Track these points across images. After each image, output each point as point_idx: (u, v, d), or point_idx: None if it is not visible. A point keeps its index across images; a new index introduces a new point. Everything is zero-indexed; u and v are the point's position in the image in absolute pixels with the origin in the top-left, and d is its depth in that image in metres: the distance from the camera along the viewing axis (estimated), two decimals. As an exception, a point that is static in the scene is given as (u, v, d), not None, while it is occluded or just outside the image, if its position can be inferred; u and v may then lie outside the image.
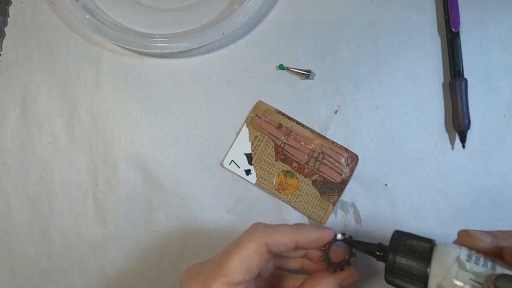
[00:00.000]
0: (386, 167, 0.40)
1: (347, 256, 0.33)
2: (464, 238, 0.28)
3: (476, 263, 0.26)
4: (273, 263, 0.34)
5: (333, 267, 0.32)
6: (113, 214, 0.41)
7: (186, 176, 0.41)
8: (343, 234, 0.33)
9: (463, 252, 0.27)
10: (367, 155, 0.40)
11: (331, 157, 0.40)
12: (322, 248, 0.32)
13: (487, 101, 0.40)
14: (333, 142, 0.40)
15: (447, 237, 0.39)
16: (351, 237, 0.33)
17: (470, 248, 0.27)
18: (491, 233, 0.28)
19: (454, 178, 0.40)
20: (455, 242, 0.29)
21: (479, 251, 0.27)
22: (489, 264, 0.26)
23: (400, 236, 0.29)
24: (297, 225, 0.31)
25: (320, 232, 0.31)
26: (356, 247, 0.32)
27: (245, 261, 0.29)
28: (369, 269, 0.39)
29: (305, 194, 0.40)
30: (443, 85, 0.41)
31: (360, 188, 0.40)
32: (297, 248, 0.31)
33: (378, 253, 0.30)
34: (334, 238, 0.32)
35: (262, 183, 0.40)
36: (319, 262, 0.33)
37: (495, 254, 0.27)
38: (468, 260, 0.26)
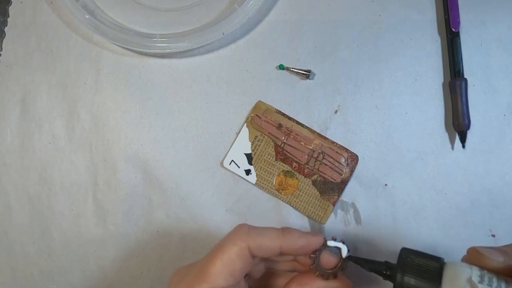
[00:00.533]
0: (386, 167, 0.40)
1: (340, 262, 0.31)
2: (474, 257, 0.27)
3: (489, 284, 0.25)
4: (264, 264, 0.33)
5: (325, 273, 0.31)
6: (113, 214, 0.41)
7: (186, 176, 0.41)
8: (335, 239, 0.31)
9: (475, 273, 0.26)
10: (367, 155, 0.40)
11: (331, 157, 0.40)
12: (311, 255, 0.31)
13: (487, 101, 0.40)
14: (333, 142, 0.40)
15: (446, 237, 0.39)
16: (343, 242, 0.31)
17: (481, 267, 0.26)
18: (502, 251, 0.26)
19: (454, 178, 0.40)
20: (464, 259, 0.28)
21: (491, 270, 0.26)
22: (503, 285, 0.25)
23: (408, 255, 0.28)
24: (284, 230, 0.30)
25: (307, 239, 0.30)
26: (361, 265, 0.31)
27: (228, 266, 0.28)
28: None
29: (305, 194, 0.40)
30: (443, 85, 0.41)
31: (360, 188, 0.40)
32: (282, 254, 0.30)
33: (385, 272, 0.29)
34: (324, 245, 0.31)
35: (262, 183, 0.40)
36: (310, 269, 0.31)
37: (508, 273, 0.26)
38: (481, 281, 0.25)
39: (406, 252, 0.29)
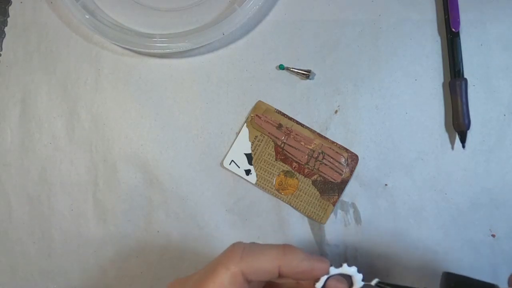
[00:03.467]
0: (386, 167, 0.40)
1: None
2: None
3: None
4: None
5: None
6: (113, 214, 0.41)
7: (186, 176, 0.41)
8: (345, 264, 0.27)
9: None
10: (367, 155, 0.40)
11: (331, 157, 0.40)
12: (315, 282, 0.27)
13: (487, 101, 0.40)
14: (333, 142, 0.40)
15: (446, 237, 0.39)
16: (358, 268, 0.27)
17: None
18: None
19: (454, 178, 0.40)
20: None
21: None
22: None
23: (456, 283, 0.24)
24: (285, 248, 0.27)
25: (311, 263, 0.26)
26: None
27: None
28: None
29: (305, 194, 0.40)
30: (443, 85, 0.41)
31: (360, 188, 0.40)
32: (281, 277, 0.26)
33: None
34: (330, 272, 0.27)
35: (262, 183, 0.40)
36: None
37: None
38: None
39: (452, 279, 0.24)
